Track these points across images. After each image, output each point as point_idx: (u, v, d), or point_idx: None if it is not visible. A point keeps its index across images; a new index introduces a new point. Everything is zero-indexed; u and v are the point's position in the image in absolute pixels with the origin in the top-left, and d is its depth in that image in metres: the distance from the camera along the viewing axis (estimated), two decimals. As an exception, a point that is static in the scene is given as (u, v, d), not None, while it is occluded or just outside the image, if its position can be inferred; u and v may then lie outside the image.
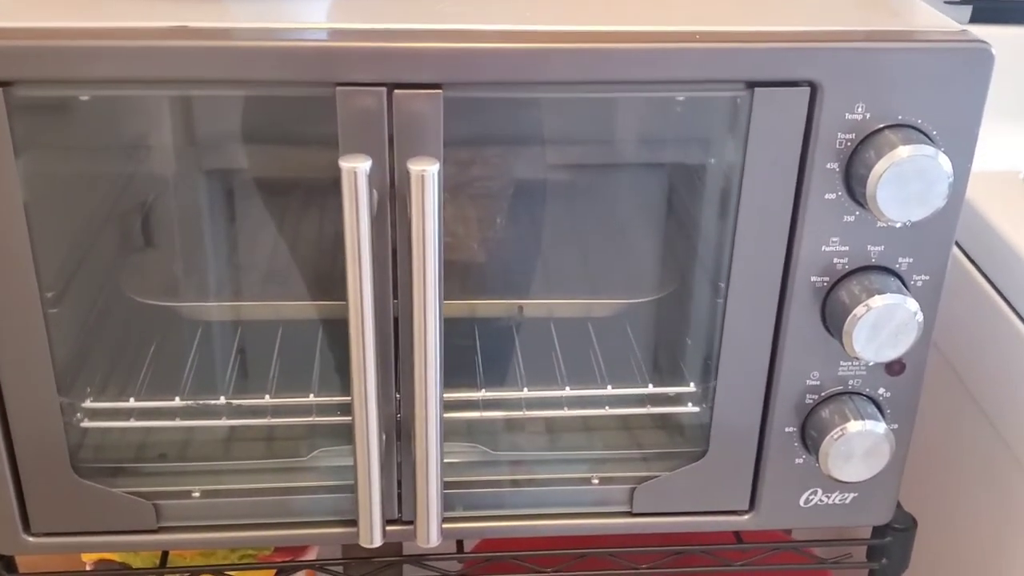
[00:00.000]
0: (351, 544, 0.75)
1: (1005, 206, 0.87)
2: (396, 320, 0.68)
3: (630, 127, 0.82)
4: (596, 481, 0.76)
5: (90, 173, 0.79)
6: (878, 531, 0.80)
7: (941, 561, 0.94)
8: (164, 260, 0.81)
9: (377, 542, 0.70)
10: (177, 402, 0.74)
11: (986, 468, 0.88)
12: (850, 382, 0.72)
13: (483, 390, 0.78)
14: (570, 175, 0.86)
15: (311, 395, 0.76)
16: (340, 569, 0.79)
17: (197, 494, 0.73)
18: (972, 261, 0.88)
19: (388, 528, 0.71)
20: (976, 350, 0.87)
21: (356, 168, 0.59)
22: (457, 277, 0.80)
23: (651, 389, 0.78)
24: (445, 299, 0.64)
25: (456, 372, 0.75)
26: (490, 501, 0.76)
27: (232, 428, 0.77)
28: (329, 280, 0.82)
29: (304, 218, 0.82)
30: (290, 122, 0.75)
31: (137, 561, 0.89)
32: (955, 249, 0.87)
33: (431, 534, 0.70)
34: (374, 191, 0.61)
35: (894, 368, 0.72)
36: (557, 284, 0.84)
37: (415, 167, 0.59)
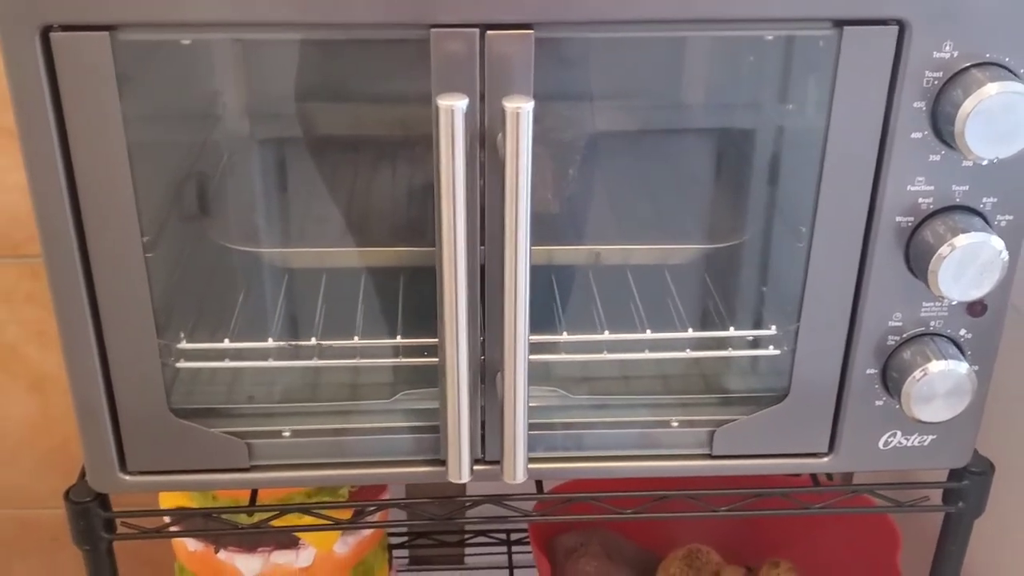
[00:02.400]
0: (415, 484, 0.75)
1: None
2: (482, 267, 0.69)
3: (707, 73, 0.82)
4: (675, 424, 0.77)
5: (180, 122, 0.81)
6: (955, 475, 0.80)
7: (1017, 507, 0.94)
8: (251, 208, 0.83)
9: (465, 478, 0.71)
10: (270, 343, 0.76)
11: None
12: (932, 323, 0.72)
13: (564, 333, 0.79)
14: (644, 124, 0.87)
15: (398, 336, 0.77)
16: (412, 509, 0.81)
17: (287, 433, 0.75)
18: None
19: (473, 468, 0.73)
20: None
21: (453, 106, 0.60)
22: (533, 228, 0.81)
23: (732, 332, 0.79)
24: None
25: (537, 318, 0.76)
26: (571, 443, 0.77)
27: (319, 371, 0.79)
28: (409, 227, 0.83)
29: (388, 167, 0.83)
30: (377, 72, 0.77)
31: (215, 504, 0.92)
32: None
33: (518, 471, 0.71)
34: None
35: (976, 309, 0.72)
36: (632, 233, 0.84)
37: (511, 105, 0.60)
